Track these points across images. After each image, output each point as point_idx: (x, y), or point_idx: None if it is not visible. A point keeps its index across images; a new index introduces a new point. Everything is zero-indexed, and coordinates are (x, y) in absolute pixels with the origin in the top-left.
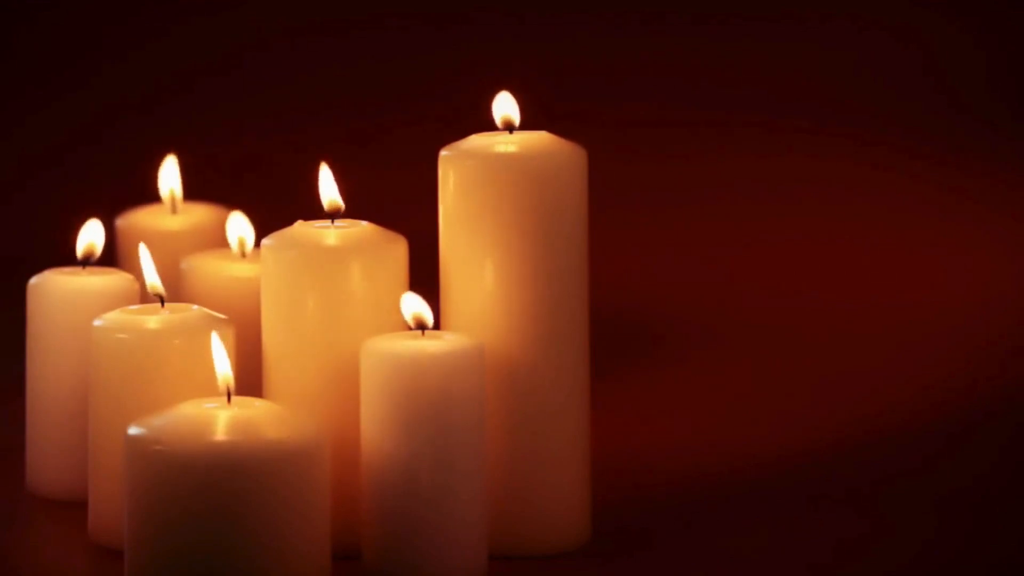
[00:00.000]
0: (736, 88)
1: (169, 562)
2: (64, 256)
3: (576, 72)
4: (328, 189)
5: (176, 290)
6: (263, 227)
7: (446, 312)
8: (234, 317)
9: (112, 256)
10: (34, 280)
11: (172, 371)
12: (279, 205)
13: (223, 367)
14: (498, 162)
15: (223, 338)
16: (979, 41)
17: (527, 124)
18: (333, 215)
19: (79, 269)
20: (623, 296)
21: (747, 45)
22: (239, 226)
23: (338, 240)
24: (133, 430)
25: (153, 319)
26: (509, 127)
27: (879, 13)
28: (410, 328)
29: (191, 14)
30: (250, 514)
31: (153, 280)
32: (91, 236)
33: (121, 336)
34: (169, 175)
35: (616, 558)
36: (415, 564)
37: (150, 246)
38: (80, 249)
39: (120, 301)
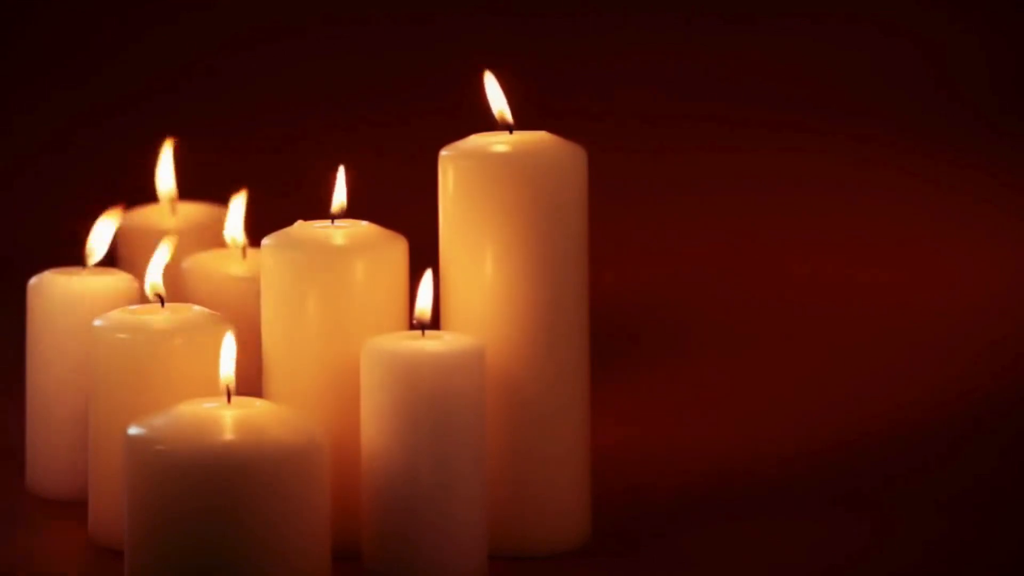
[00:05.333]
0: (738, 87)
1: (169, 562)
2: (64, 256)
3: (577, 71)
4: (340, 192)
5: (176, 290)
6: (263, 227)
7: (446, 312)
8: (234, 317)
9: (112, 256)
10: (34, 280)
11: (172, 371)
12: (279, 205)
13: (226, 368)
14: (498, 162)
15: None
16: (984, 41)
17: (527, 124)
18: (336, 216)
19: (79, 269)
20: (623, 296)
21: (749, 42)
22: (234, 224)
23: (338, 240)
24: (133, 430)
25: (153, 319)
26: (509, 127)
27: (881, 10)
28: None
29: (188, 10)
30: (250, 514)
31: (155, 279)
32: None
33: (121, 336)
34: (165, 169)
35: (616, 558)
36: (415, 564)
37: (150, 246)
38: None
39: (120, 301)
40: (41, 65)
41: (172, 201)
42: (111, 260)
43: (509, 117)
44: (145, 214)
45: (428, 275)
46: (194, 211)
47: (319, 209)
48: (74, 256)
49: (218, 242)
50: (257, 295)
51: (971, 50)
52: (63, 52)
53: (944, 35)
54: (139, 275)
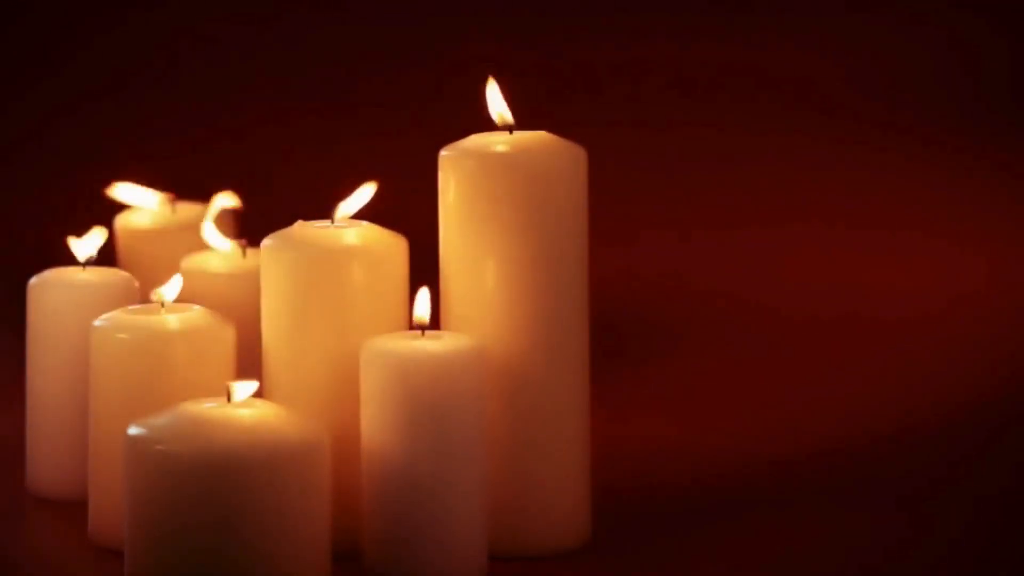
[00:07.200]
0: (739, 87)
1: (169, 562)
2: (64, 256)
3: (577, 70)
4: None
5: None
6: (261, 227)
7: (446, 312)
8: (234, 317)
9: (112, 256)
10: (34, 280)
11: (172, 371)
12: (278, 205)
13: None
14: (498, 162)
15: (224, 340)
16: (994, 34)
17: (527, 124)
18: (507, 128)
19: (79, 269)
20: (623, 296)
21: (751, 42)
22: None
23: (338, 240)
24: (133, 430)
25: (153, 319)
26: (508, 127)
27: (881, 6)
28: None
29: (191, 12)
30: (250, 514)
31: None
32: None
33: (121, 336)
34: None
35: (616, 558)
36: (415, 564)
37: (150, 246)
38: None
39: (120, 301)
40: (39, 64)
41: (172, 201)
42: (111, 260)
43: (509, 119)
44: (145, 214)
45: (424, 292)
46: (194, 211)
47: (319, 209)
48: (74, 256)
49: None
50: (257, 295)
51: (967, 51)
52: (60, 52)
53: (940, 29)
54: (139, 275)
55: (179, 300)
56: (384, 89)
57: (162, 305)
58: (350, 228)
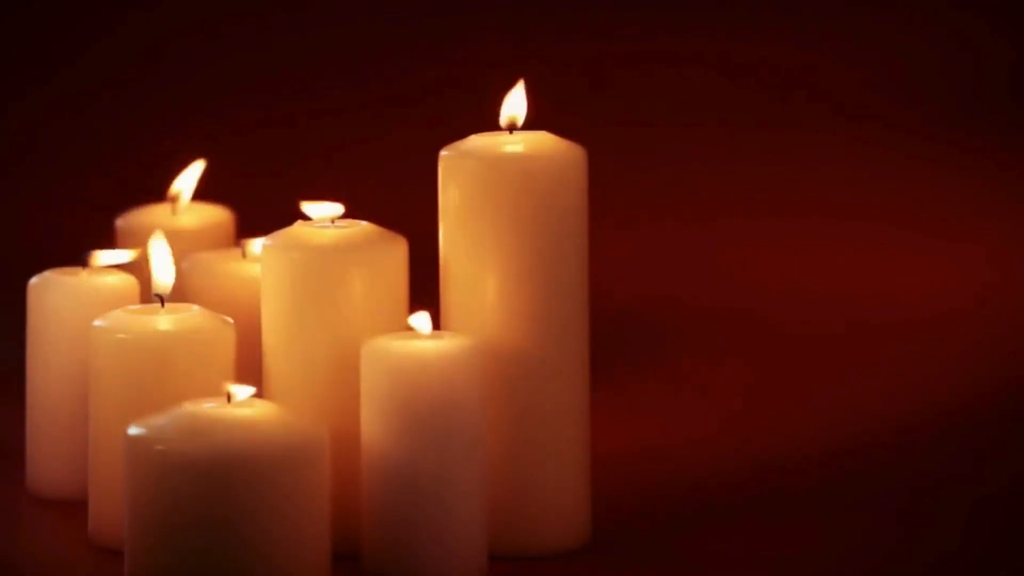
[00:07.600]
0: (738, 87)
1: (169, 562)
2: (64, 256)
3: (576, 70)
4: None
5: (176, 290)
6: (261, 227)
7: (446, 312)
8: (234, 317)
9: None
10: (34, 280)
11: (173, 371)
12: (278, 204)
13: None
14: (498, 162)
15: (224, 340)
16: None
17: (527, 124)
18: (511, 128)
19: (79, 269)
20: (623, 296)
21: (752, 40)
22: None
23: (338, 240)
24: (133, 430)
25: (154, 319)
26: (510, 127)
27: (883, 8)
28: None
29: (190, 12)
30: (250, 514)
31: (163, 280)
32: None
33: (121, 336)
34: (188, 179)
35: (616, 558)
36: (415, 564)
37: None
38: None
39: (120, 301)
40: (39, 64)
41: (175, 201)
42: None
43: (519, 122)
44: (146, 214)
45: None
46: (196, 211)
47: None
48: (74, 256)
49: (219, 242)
50: (258, 295)
51: (968, 50)
52: (59, 52)
53: (942, 32)
54: (140, 275)
55: (179, 300)
56: (384, 89)
57: (162, 304)
58: (349, 228)
